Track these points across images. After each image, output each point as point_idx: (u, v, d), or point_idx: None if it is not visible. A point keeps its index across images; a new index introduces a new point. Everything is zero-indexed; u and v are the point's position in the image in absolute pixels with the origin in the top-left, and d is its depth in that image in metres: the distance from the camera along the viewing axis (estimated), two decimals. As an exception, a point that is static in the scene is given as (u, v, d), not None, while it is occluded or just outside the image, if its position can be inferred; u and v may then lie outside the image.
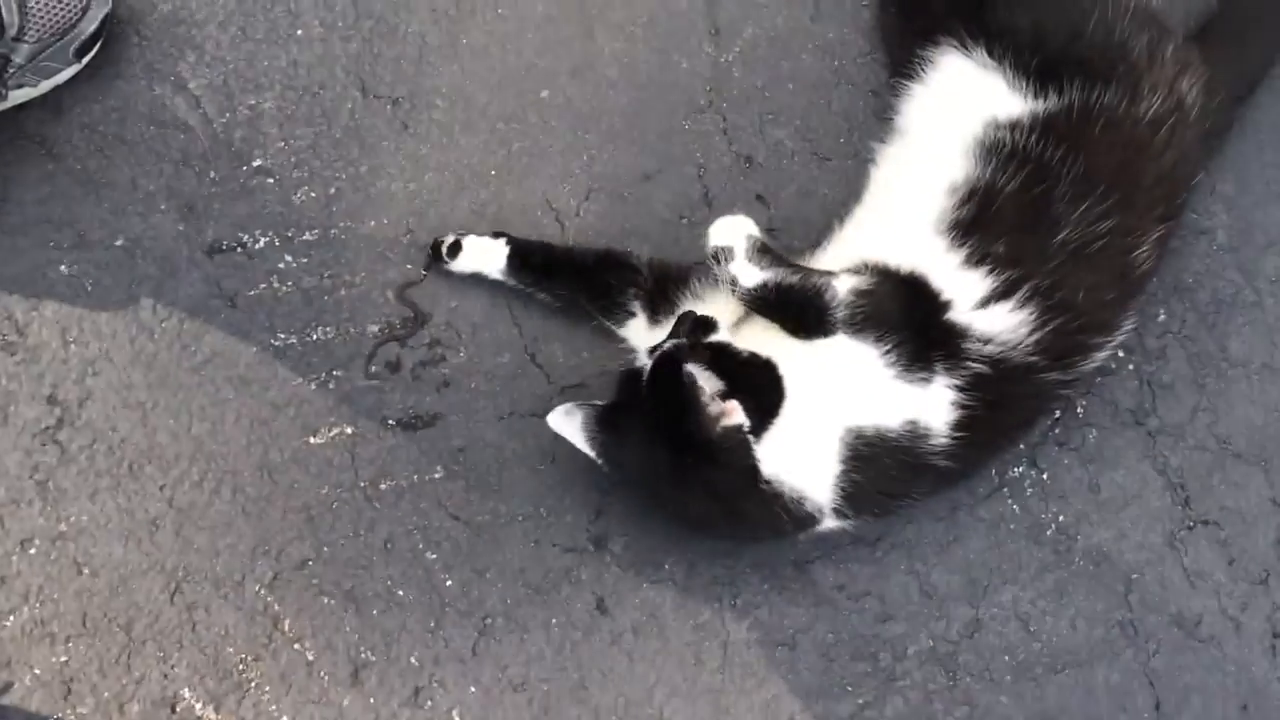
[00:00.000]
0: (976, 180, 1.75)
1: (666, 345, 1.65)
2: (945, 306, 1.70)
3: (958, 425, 1.69)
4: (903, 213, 1.80)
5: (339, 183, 1.89)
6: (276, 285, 1.86)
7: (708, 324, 1.68)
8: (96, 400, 1.81)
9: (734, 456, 1.63)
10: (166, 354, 1.83)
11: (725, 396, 1.62)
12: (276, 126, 1.88)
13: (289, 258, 1.87)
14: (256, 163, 1.87)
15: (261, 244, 1.87)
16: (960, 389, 1.69)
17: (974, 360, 1.68)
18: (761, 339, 1.71)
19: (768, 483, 1.66)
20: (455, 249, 1.87)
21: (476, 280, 1.92)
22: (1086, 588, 1.96)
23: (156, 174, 1.85)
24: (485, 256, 1.88)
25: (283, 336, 1.86)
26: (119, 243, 1.83)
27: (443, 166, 1.92)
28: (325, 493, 1.84)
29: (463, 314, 1.90)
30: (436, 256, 1.88)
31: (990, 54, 1.81)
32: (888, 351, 1.66)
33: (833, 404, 1.68)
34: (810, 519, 1.72)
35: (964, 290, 1.71)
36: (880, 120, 2.00)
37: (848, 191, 1.97)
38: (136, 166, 1.84)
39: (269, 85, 1.89)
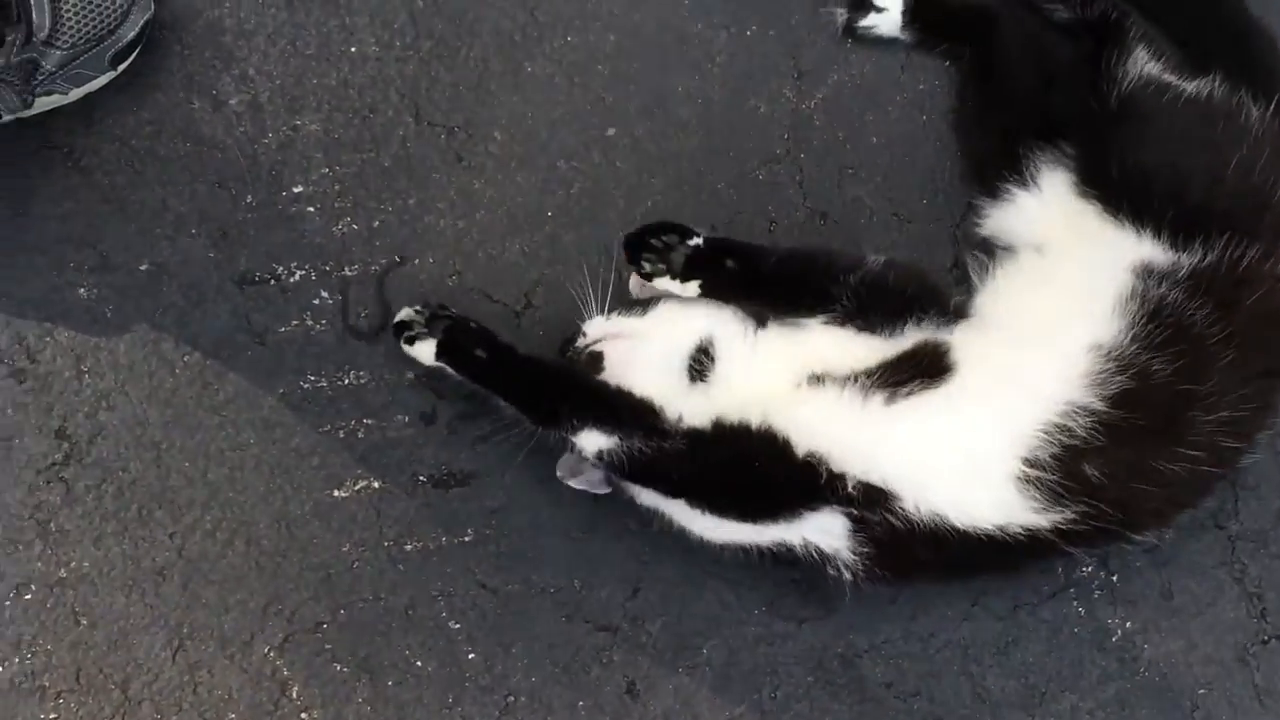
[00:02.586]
0: (1123, 352, 1.50)
1: None
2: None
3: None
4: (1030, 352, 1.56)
5: (384, 215, 1.75)
6: (310, 323, 1.73)
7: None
8: (108, 437, 1.67)
9: None
10: (186, 391, 1.69)
11: None
12: (321, 151, 1.73)
13: (325, 293, 1.73)
14: (297, 189, 1.73)
15: (297, 277, 1.73)
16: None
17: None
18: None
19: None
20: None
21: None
22: (1151, 701, 1.82)
23: (189, 195, 1.70)
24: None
25: (312, 379, 1.73)
26: (144, 267, 1.69)
27: (496, 204, 1.78)
28: (346, 550, 1.71)
29: (506, 366, 1.75)
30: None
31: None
32: None
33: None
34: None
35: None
36: (965, 183, 1.83)
37: (927, 257, 1.82)
38: (168, 185, 1.70)
39: (316, 106, 1.74)
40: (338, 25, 1.76)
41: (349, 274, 1.75)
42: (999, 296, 1.67)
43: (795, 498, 1.53)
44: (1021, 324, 1.55)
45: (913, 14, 1.82)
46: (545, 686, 1.75)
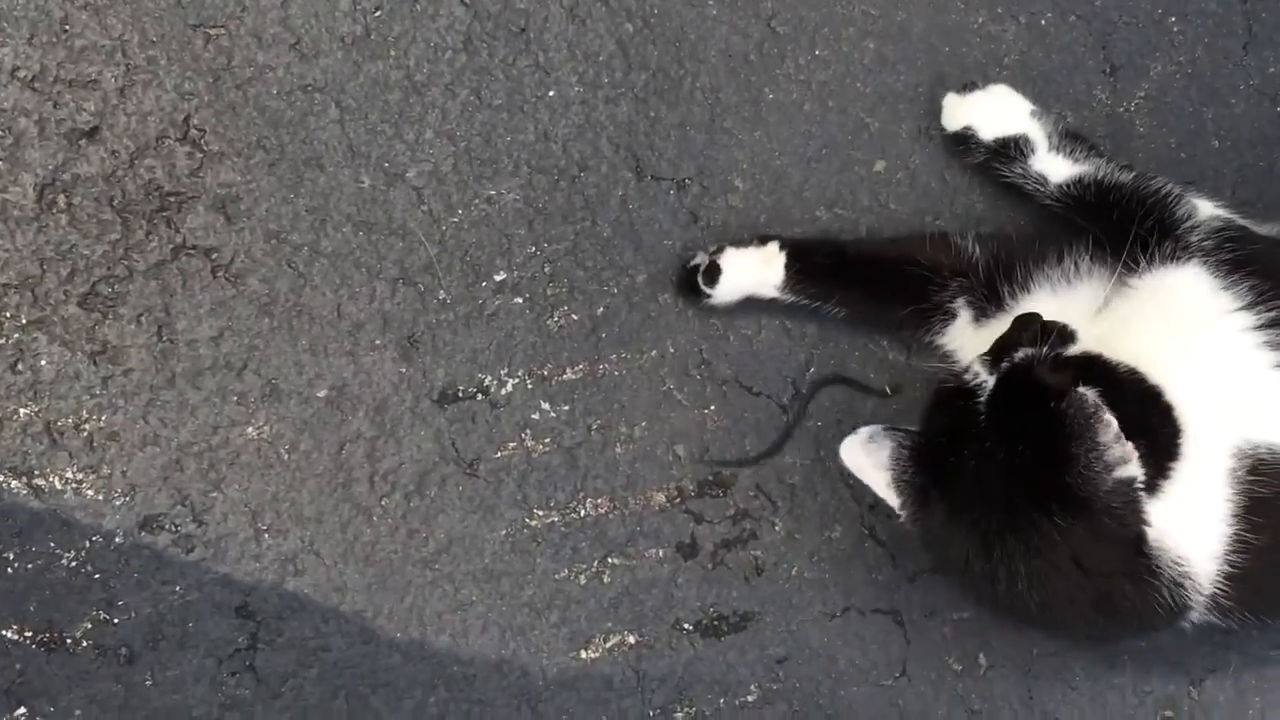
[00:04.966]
0: None
1: (1017, 358, 1.19)
2: None
3: None
4: None
5: (609, 299, 1.40)
6: (530, 444, 1.39)
7: (1064, 334, 1.22)
8: (301, 610, 1.35)
9: (1122, 518, 1.14)
10: (389, 542, 1.36)
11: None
12: (525, 225, 1.38)
13: (545, 405, 1.39)
14: (499, 276, 1.38)
15: (509, 387, 1.38)
16: None
17: None
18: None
19: (1147, 556, 1.16)
20: (713, 273, 1.39)
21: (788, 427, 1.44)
22: None
23: (367, 296, 1.35)
24: (754, 272, 1.41)
25: (540, 514, 1.40)
26: (321, 393, 1.34)
27: (745, 271, 1.40)
28: (604, 726, 1.36)
29: (775, 474, 1.43)
30: (690, 289, 1.42)
31: None
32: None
33: (1216, 406, 1.19)
34: (1183, 607, 1.21)
35: None
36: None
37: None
38: (341, 288, 1.34)
39: (513, 169, 1.38)
40: (529, 65, 1.39)
41: (571, 377, 1.38)
42: None
43: None
44: None
45: None
46: None
